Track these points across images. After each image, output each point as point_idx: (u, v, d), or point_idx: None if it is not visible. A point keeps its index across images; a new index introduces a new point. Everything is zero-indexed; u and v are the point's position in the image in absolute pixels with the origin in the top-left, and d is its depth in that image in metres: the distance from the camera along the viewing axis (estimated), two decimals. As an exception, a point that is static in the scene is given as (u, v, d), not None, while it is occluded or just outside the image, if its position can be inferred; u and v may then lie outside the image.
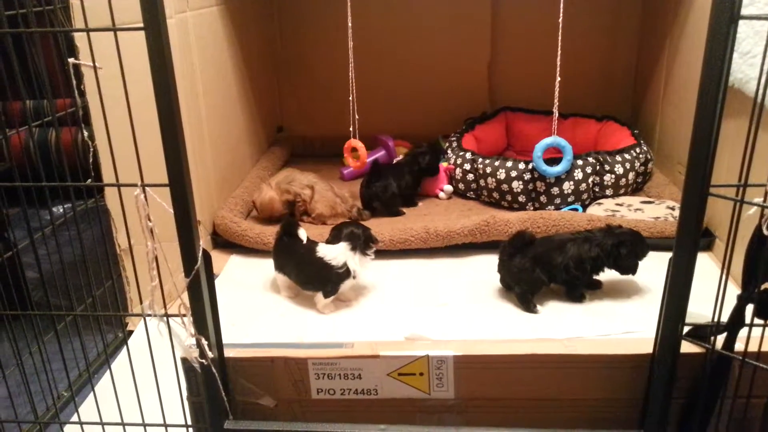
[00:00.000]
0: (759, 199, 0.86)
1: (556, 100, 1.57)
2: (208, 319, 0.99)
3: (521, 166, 1.73)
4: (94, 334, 1.60)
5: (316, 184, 1.79)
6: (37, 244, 1.15)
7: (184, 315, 0.98)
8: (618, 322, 1.22)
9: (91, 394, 1.17)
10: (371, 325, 1.27)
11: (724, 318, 0.98)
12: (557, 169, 1.68)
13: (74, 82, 0.92)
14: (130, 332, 1.53)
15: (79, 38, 1.34)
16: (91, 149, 1.05)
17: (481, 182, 1.81)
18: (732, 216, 0.90)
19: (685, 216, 0.91)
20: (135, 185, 0.91)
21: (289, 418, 1.17)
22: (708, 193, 0.89)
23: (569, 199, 1.72)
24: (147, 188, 0.91)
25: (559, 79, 1.54)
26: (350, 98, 1.63)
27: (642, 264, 1.32)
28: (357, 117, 1.64)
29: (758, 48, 1.23)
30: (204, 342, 1.00)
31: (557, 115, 1.60)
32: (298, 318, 1.31)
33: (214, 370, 1.02)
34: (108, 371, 1.10)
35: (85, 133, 1.05)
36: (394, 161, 1.99)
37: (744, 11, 0.81)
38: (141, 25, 0.82)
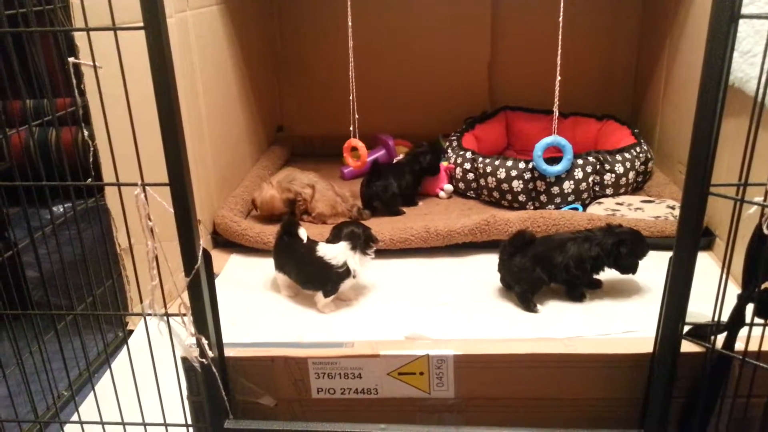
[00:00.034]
0: (759, 199, 0.86)
1: (556, 100, 1.57)
2: (208, 319, 0.99)
3: (521, 165, 1.73)
4: (94, 333, 1.60)
5: (316, 183, 1.79)
6: (38, 244, 1.15)
7: (185, 314, 0.98)
8: (618, 322, 1.22)
9: (92, 393, 1.17)
10: (371, 324, 1.27)
11: (725, 317, 0.98)
12: (557, 168, 1.68)
13: (74, 81, 0.92)
14: (131, 331, 1.53)
15: (79, 37, 1.34)
16: (91, 148, 1.05)
17: (482, 181, 1.81)
18: (732, 215, 0.90)
19: (685, 215, 0.91)
20: (135, 184, 0.91)
21: (289, 418, 1.17)
22: (708, 193, 0.89)
23: (569, 199, 1.72)
24: (147, 187, 0.91)
25: (559, 78, 1.54)
26: (350, 97, 1.63)
27: (642, 263, 1.32)
28: (357, 116, 1.64)
29: (758, 47, 1.23)
30: (204, 341, 1.00)
31: (557, 114, 1.60)
32: (298, 317, 1.31)
33: (214, 370, 1.02)
34: (108, 371, 1.10)
35: (86, 133, 1.05)
36: (394, 161, 1.99)
37: (744, 10, 0.81)
38: (141, 24, 0.82)
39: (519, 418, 1.16)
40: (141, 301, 0.99)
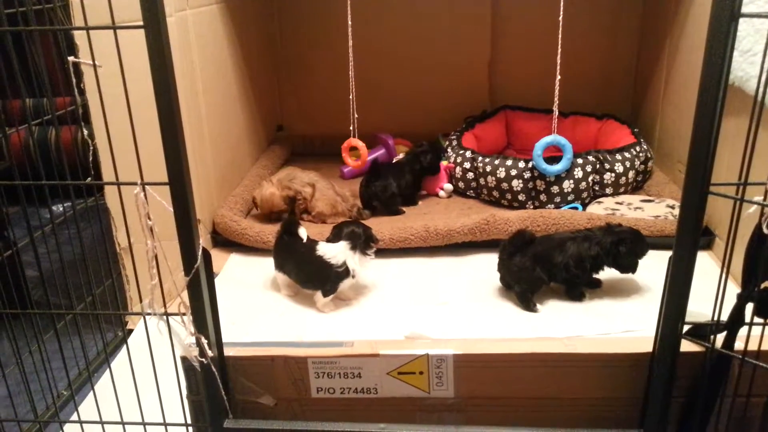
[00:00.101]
0: (759, 198, 0.86)
1: (556, 99, 1.57)
2: (207, 318, 0.99)
3: (521, 164, 1.73)
4: (93, 332, 1.60)
5: (317, 182, 1.79)
6: (37, 243, 1.15)
7: (184, 314, 0.98)
8: (618, 321, 1.22)
9: (91, 393, 1.17)
10: (371, 323, 1.26)
11: (724, 317, 0.98)
12: (557, 167, 1.68)
13: (74, 80, 0.92)
14: (130, 331, 1.53)
15: (79, 36, 1.33)
16: (91, 148, 1.05)
17: (481, 181, 1.81)
18: (732, 214, 0.90)
19: (685, 214, 0.91)
20: (135, 184, 0.91)
21: (288, 417, 1.17)
22: (708, 192, 0.89)
23: (569, 198, 1.72)
24: (147, 187, 0.91)
25: (559, 77, 1.54)
26: (350, 97, 1.63)
27: (642, 263, 1.32)
28: (357, 116, 1.64)
29: (759, 46, 1.23)
30: (204, 341, 1.00)
31: (557, 113, 1.60)
32: (297, 317, 1.31)
33: (213, 369, 1.02)
34: (108, 370, 1.10)
35: (85, 132, 1.05)
36: (394, 160, 1.99)
37: (744, 9, 0.81)
38: (141, 23, 0.82)
39: (519, 417, 1.16)
40: (140, 301, 0.99)
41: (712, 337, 1.00)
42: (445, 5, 2.25)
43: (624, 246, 1.29)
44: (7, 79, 1.18)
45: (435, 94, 2.32)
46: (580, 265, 1.29)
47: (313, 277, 1.31)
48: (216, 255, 1.58)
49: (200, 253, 0.94)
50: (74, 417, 1.20)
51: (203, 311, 0.98)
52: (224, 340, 1.07)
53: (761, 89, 0.84)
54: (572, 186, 1.71)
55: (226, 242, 1.63)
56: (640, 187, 1.87)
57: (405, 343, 1.17)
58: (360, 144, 1.70)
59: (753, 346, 0.97)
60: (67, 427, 1.24)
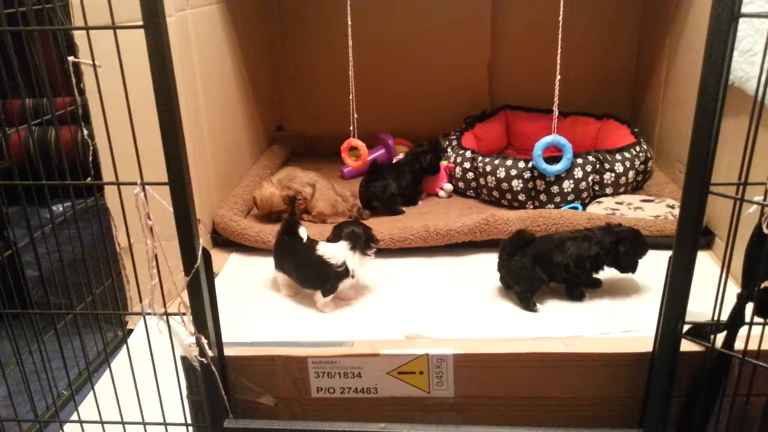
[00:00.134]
0: (759, 198, 0.86)
1: (556, 99, 1.57)
2: (207, 318, 0.99)
3: (521, 164, 1.73)
4: (93, 332, 1.60)
5: (317, 182, 1.79)
6: (37, 243, 1.15)
7: (184, 313, 0.98)
8: (618, 321, 1.22)
9: (91, 392, 1.17)
10: (371, 323, 1.26)
11: (724, 316, 0.98)
12: (557, 167, 1.68)
13: (74, 80, 0.92)
14: (130, 331, 1.53)
15: (79, 36, 1.33)
16: (91, 148, 1.05)
17: (481, 181, 1.81)
18: (732, 214, 0.90)
19: (685, 214, 0.91)
20: (135, 184, 0.91)
21: (288, 417, 1.17)
22: (708, 192, 0.89)
23: (569, 198, 1.72)
24: (147, 187, 0.91)
25: (559, 77, 1.54)
26: (350, 97, 1.63)
27: (642, 262, 1.32)
28: (357, 115, 1.64)
29: (758, 46, 1.23)
30: (204, 340, 1.00)
31: (557, 113, 1.60)
32: (297, 316, 1.31)
33: (213, 369, 1.02)
34: (108, 370, 1.10)
35: (85, 132, 1.05)
36: (394, 160, 1.99)
37: (744, 9, 0.81)
38: (140, 23, 0.82)
39: (518, 417, 1.16)
40: (140, 301, 0.99)
41: (712, 336, 1.00)
42: (445, 5, 2.25)
43: (624, 246, 1.29)
44: (6, 79, 1.18)
45: (435, 94, 2.32)
46: (580, 265, 1.29)
47: (312, 276, 1.31)
48: (216, 255, 1.58)
49: (200, 253, 0.94)
50: (74, 417, 1.20)
51: (203, 311, 0.98)
52: (224, 339, 1.07)
53: (761, 89, 0.84)
54: (572, 186, 1.71)
55: (226, 242, 1.63)
56: (640, 187, 1.87)
57: (405, 342, 1.17)
58: (360, 144, 1.70)
59: (753, 346, 0.97)
60: (67, 427, 1.24)
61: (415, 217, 1.73)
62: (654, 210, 1.66)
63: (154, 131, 0.87)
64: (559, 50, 1.51)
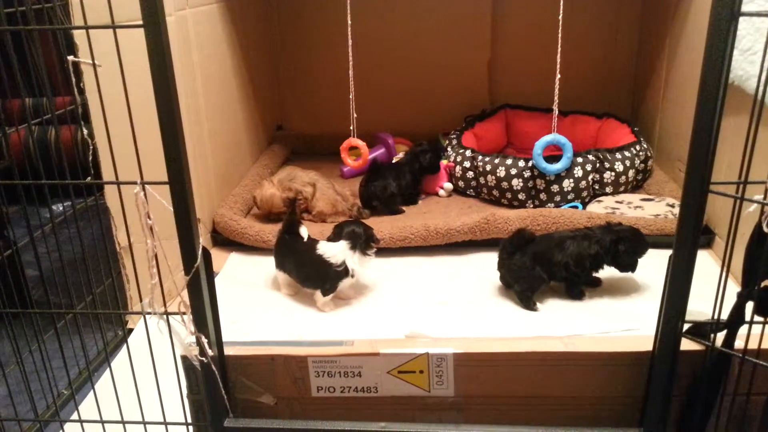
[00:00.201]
0: (759, 197, 0.86)
1: (556, 98, 1.57)
2: (207, 317, 0.99)
3: (521, 163, 1.73)
4: (94, 332, 1.60)
5: (317, 181, 1.79)
6: (37, 242, 1.15)
7: (184, 313, 0.98)
8: (618, 320, 1.22)
9: (91, 392, 1.17)
10: (371, 322, 1.27)
11: (724, 315, 0.98)
12: (557, 166, 1.68)
13: (73, 79, 0.92)
14: (130, 330, 1.53)
15: (79, 36, 1.33)
16: (91, 147, 1.05)
17: (481, 180, 1.81)
18: (732, 213, 0.90)
19: (685, 213, 0.91)
20: (135, 183, 0.91)
21: (288, 416, 1.17)
22: (708, 191, 0.89)
23: (569, 197, 1.72)
24: (147, 186, 0.91)
25: (559, 76, 1.54)
26: (350, 96, 1.63)
27: (642, 261, 1.32)
28: (356, 115, 1.64)
29: (759, 45, 1.23)
30: (204, 340, 1.00)
31: (557, 112, 1.60)
32: (298, 316, 1.31)
33: (214, 368, 1.02)
34: (108, 369, 1.10)
35: (85, 131, 1.05)
36: (394, 159, 1.99)
37: (744, 8, 0.81)
38: (140, 22, 0.82)
39: (518, 416, 1.16)
40: (141, 300, 0.99)
41: (712, 335, 1.00)
42: (445, 5, 2.25)
43: (624, 245, 1.29)
44: (6, 79, 1.18)
45: (435, 94, 2.32)
46: (579, 264, 1.29)
47: (312, 276, 1.31)
48: (216, 254, 1.58)
49: (200, 252, 0.95)
50: (74, 416, 1.20)
51: (203, 310, 0.98)
52: (224, 339, 1.07)
53: (761, 88, 0.84)
54: (572, 185, 1.71)
55: (226, 241, 1.63)
56: (640, 185, 1.87)
57: (405, 342, 1.17)
58: (360, 143, 1.70)
59: (753, 345, 0.97)
60: (67, 426, 1.24)
61: (415, 217, 1.73)
62: (654, 209, 1.66)
63: (154, 131, 0.87)
64: (559, 49, 1.51)
